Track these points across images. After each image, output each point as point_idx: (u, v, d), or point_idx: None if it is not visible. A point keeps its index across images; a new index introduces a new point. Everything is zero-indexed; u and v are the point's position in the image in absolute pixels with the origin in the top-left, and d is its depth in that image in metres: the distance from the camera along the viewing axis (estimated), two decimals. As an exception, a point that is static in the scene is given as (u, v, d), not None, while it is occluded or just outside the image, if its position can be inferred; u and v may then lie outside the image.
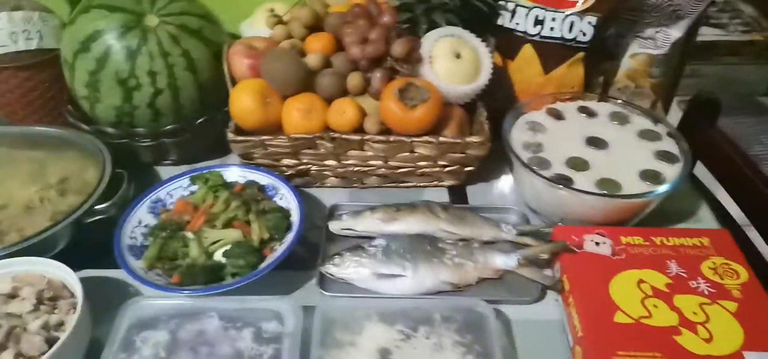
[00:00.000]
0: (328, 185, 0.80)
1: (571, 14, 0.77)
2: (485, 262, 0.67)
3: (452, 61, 0.74)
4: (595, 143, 0.74)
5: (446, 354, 0.57)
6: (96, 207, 0.67)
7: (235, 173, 0.74)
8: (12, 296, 0.59)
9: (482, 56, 0.77)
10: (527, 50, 0.81)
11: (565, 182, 0.68)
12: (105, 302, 0.61)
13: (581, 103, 0.81)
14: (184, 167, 0.83)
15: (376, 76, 0.72)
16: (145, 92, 0.73)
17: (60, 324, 0.57)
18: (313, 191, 0.80)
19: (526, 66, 0.82)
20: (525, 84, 0.84)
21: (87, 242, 0.67)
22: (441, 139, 0.72)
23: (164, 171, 0.83)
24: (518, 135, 0.75)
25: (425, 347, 0.58)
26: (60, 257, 0.61)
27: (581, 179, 0.69)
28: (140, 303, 0.60)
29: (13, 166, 0.74)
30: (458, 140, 0.72)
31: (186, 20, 0.75)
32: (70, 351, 0.55)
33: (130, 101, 0.73)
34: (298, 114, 0.72)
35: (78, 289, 0.57)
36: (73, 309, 0.58)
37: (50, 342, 0.55)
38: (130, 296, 0.64)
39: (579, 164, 0.71)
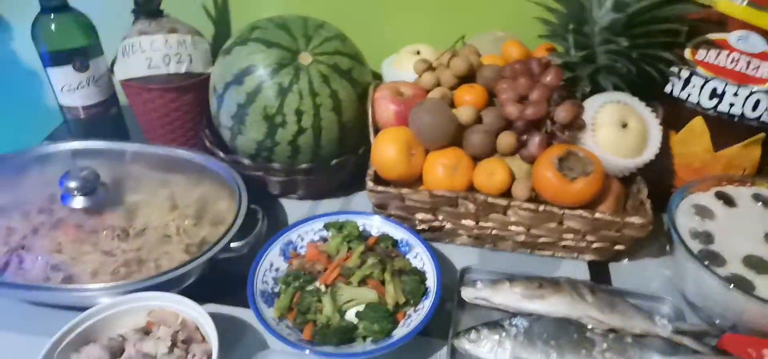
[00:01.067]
0: (458, 242, 0.75)
1: (759, 91, 0.68)
2: (641, 363, 0.60)
3: (618, 131, 0.67)
4: (778, 241, 0.64)
5: None
6: (232, 245, 0.66)
7: (367, 222, 0.71)
8: (147, 331, 0.58)
9: (650, 127, 0.69)
10: (697, 123, 0.72)
11: (745, 286, 0.59)
12: (229, 343, 0.59)
13: (755, 190, 0.71)
14: (308, 202, 0.81)
15: (534, 140, 0.66)
16: (289, 130, 0.71)
17: (192, 370, 0.55)
18: (441, 246, 0.75)
19: (692, 140, 0.74)
20: (688, 159, 0.75)
21: (214, 277, 0.67)
22: (597, 215, 0.65)
23: (288, 203, 0.81)
24: (683, 220, 0.67)
25: None
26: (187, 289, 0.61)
27: (764, 285, 0.60)
28: (272, 357, 0.58)
29: (151, 188, 0.74)
30: (617, 219, 0.65)
31: (338, 60, 0.73)
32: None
33: (272, 137, 0.72)
34: (443, 170, 0.68)
35: (214, 339, 0.55)
36: (206, 356, 0.56)
37: (184, 388, 0.53)
38: (253, 339, 0.62)
39: (759, 264, 0.62)
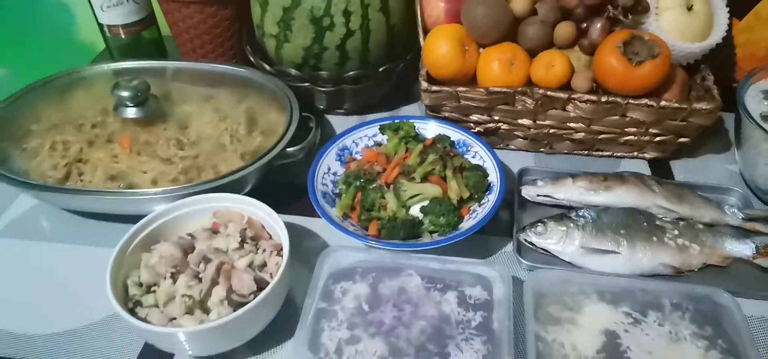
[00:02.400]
0: (513, 147, 0.74)
1: (834, -35, 0.65)
2: (713, 246, 0.59)
3: (684, 14, 0.65)
4: None
5: (684, 346, 0.50)
6: (287, 150, 0.65)
7: (421, 126, 0.70)
8: (214, 231, 0.58)
9: (716, 9, 0.67)
10: (763, 7, 0.69)
11: (823, 160, 0.58)
12: (293, 246, 0.59)
13: (826, 72, 0.68)
14: (354, 118, 0.80)
15: (596, 26, 0.64)
16: (337, 33, 0.70)
17: (262, 265, 0.55)
18: (498, 152, 0.74)
19: (758, 26, 0.71)
20: (752, 47, 0.72)
21: (270, 185, 0.66)
22: (663, 103, 0.63)
23: (334, 120, 0.80)
24: (753, 105, 0.65)
25: (659, 335, 0.51)
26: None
27: (842, 160, 0.58)
28: (338, 252, 0.58)
29: (199, 102, 0.74)
30: (684, 106, 0.63)
31: (385, -44, 0.70)
32: (277, 294, 0.53)
33: (320, 42, 0.70)
34: (499, 65, 0.66)
35: (284, 233, 0.55)
36: (275, 251, 0.56)
37: (257, 281, 0.53)
38: (317, 243, 0.62)
39: (836, 144, 0.60)
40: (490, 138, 0.73)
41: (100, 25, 0.79)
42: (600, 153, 0.73)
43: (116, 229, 0.62)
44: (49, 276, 0.59)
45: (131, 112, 0.67)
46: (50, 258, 0.61)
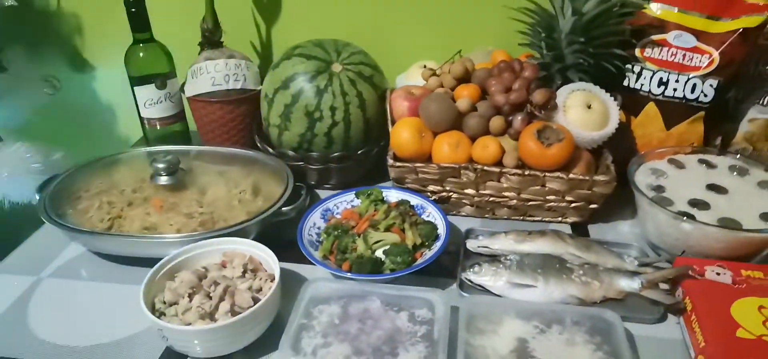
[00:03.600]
0: (463, 213, 0.92)
1: (694, 77, 0.86)
2: (610, 282, 0.75)
3: (584, 111, 0.85)
4: (716, 189, 0.80)
5: (578, 349, 0.64)
6: (283, 209, 0.83)
7: (390, 194, 0.88)
8: (223, 265, 0.75)
9: (610, 108, 0.87)
10: (651, 108, 0.90)
11: (688, 216, 0.75)
12: (285, 283, 0.75)
13: (701, 156, 0.87)
14: (339, 192, 0.98)
15: (518, 118, 0.84)
16: (325, 123, 0.90)
17: (259, 290, 0.71)
18: (450, 217, 0.91)
19: (648, 122, 0.91)
20: (647, 138, 0.92)
21: (268, 237, 0.83)
22: (571, 175, 0.82)
23: (322, 194, 0.98)
24: (642, 178, 0.83)
25: (559, 341, 0.65)
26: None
27: (703, 217, 0.75)
28: (318, 283, 0.73)
29: (216, 176, 0.92)
30: (587, 178, 0.82)
31: (362, 69, 0.92)
32: (268, 308, 0.68)
33: (312, 130, 0.90)
34: (448, 147, 0.85)
35: (275, 265, 0.71)
36: (271, 279, 0.72)
37: (255, 300, 0.69)
38: (303, 278, 0.78)
39: (701, 204, 0.77)
40: (444, 206, 0.90)
41: (141, 119, 1.00)
42: (531, 218, 0.90)
43: (146, 271, 0.76)
44: (89, 305, 0.75)
45: (164, 180, 0.86)
46: (90, 293, 0.77)
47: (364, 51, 0.96)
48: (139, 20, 0.92)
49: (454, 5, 1.07)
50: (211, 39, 1.01)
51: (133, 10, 0.91)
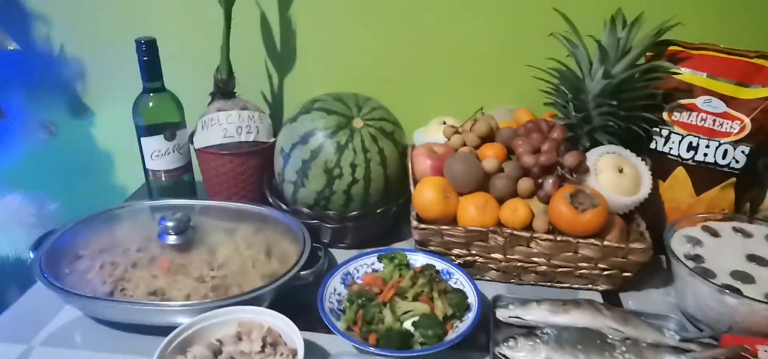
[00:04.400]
0: (488, 278, 0.86)
1: (725, 143, 0.83)
2: (655, 362, 0.69)
3: (616, 175, 0.80)
4: (757, 260, 0.75)
5: None
6: (301, 273, 0.76)
7: (412, 257, 0.82)
8: (239, 338, 0.67)
9: (642, 173, 0.83)
10: (680, 172, 0.86)
11: (735, 290, 0.70)
12: (306, 354, 0.68)
13: (735, 224, 0.83)
14: (354, 252, 0.92)
15: (549, 181, 0.79)
16: (345, 181, 0.84)
17: (280, 368, 0.64)
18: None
19: (677, 187, 0.87)
20: (675, 203, 0.88)
21: (282, 302, 0.76)
22: (606, 242, 0.77)
23: (337, 253, 0.92)
24: (678, 246, 0.78)
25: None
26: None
27: (750, 291, 0.70)
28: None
29: (225, 234, 0.85)
30: (622, 245, 0.77)
31: (383, 124, 0.87)
32: (291, 389, 0.61)
33: (330, 187, 0.84)
34: (475, 209, 0.80)
35: (298, 339, 0.64)
36: (291, 355, 0.64)
37: (275, 379, 0.61)
38: (325, 352, 0.71)
39: (745, 277, 0.72)
40: (469, 270, 0.84)
41: (146, 170, 0.93)
42: (560, 285, 0.84)
43: (151, 341, 0.68)
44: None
45: (173, 239, 0.78)
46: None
47: (385, 106, 0.91)
48: (151, 69, 0.87)
49: (475, 61, 1.03)
50: (224, 89, 0.95)
51: (146, 58, 0.85)
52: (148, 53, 0.86)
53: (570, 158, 0.80)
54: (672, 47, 0.89)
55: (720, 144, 0.83)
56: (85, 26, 1.05)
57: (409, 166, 0.87)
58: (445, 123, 0.95)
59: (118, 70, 1.06)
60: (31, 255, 0.76)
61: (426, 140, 0.95)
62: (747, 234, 0.81)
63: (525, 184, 0.81)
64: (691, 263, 0.75)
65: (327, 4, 1.01)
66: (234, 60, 0.97)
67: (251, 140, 0.93)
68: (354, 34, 1.03)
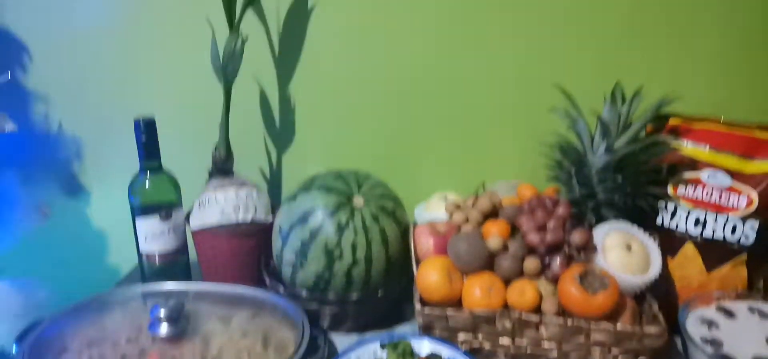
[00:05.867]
0: (495, 364, 0.80)
1: (733, 218, 0.79)
2: None
3: (625, 253, 0.76)
4: (778, 343, 0.71)
5: None
6: (303, 364, 0.71)
7: (416, 344, 0.76)
8: None
9: (651, 250, 0.79)
10: (689, 248, 0.82)
11: (758, 381, 0.65)
12: None
13: (750, 303, 0.78)
14: (355, 336, 0.86)
15: (556, 261, 0.75)
16: (345, 262, 0.79)
17: None
18: (481, 369, 0.80)
19: (687, 264, 0.83)
20: (686, 281, 0.83)
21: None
22: (619, 327, 0.72)
23: (337, 338, 0.86)
24: (693, 329, 0.73)
25: None
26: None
27: (774, 380, 0.65)
28: None
29: (220, 322, 0.79)
30: (637, 330, 0.72)
31: (384, 202, 0.84)
32: None
33: (330, 269, 0.80)
34: (480, 291, 0.75)
35: None
36: None
37: None
38: None
39: (767, 363, 0.68)
40: (477, 356, 0.79)
41: (140, 253, 0.89)
42: (572, 371, 0.79)
43: None
44: None
45: (164, 329, 0.73)
46: None
47: (385, 183, 0.88)
48: (149, 149, 0.84)
49: (475, 134, 1.01)
50: (223, 167, 0.92)
51: (145, 138, 0.82)
52: (147, 133, 0.83)
53: (577, 236, 0.76)
54: (673, 120, 0.87)
55: (728, 219, 0.80)
56: (84, 104, 1.03)
57: (412, 245, 0.83)
58: (446, 199, 0.92)
59: (115, 148, 1.03)
60: (15, 350, 0.70)
61: (427, 216, 0.91)
62: (764, 315, 0.76)
63: (532, 264, 0.77)
64: (709, 349, 0.70)
65: (325, 80, 1.00)
66: (232, 137, 0.94)
67: (249, 219, 0.89)
68: (352, 110, 1.01)
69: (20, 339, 0.72)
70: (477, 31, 0.96)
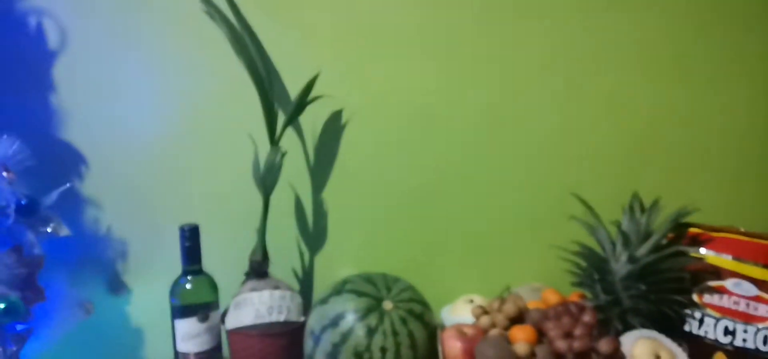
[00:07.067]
0: None
1: (763, 329, 0.79)
2: None
3: (653, 362, 0.76)
4: None
5: None
6: None
7: None
8: None
9: (680, 359, 0.78)
10: (720, 358, 0.81)
11: None
12: None
13: (787, 415, 0.76)
14: None
15: (584, 369, 0.75)
16: (375, 366, 0.81)
17: None
18: None
19: (718, 372, 0.81)
20: (719, 390, 0.82)
21: None
22: None
23: None
24: None
25: None
26: None
27: None
28: None
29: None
30: None
31: (413, 306, 0.86)
32: None
33: (360, 372, 0.81)
34: (509, 399, 0.75)
35: None
36: None
37: None
38: None
39: None
40: None
41: (176, 353, 0.91)
42: None
43: None
44: None
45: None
46: None
47: (413, 286, 0.90)
48: (192, 254, 0.88)
49: (499, 239, 1.04)
50: (259, 270, 0.96)
51: (188, 244, 0.87)
52: (191, 239, 0.88)
53: (605, 345, 0.76)
54: (693, 229, 0.89)
55: (758, 330, 0.79)
56: (133, 210, 1.09)
57: (440, 349, 0.84)
58: (472, 301, 0.93)
59: (159, 250, 1.08)
60: None
61: (453, 319, 0.92)
62: (803, 428, 0.74)
63: (559, 371, 0.77)
64: None
65: (355, 188, 1.05)
66: (268, 240, 0.99)
67: (282, 320, 0.91)
68: (381, 215, 1.06)
69: None
70: (498, 142, 1.02)
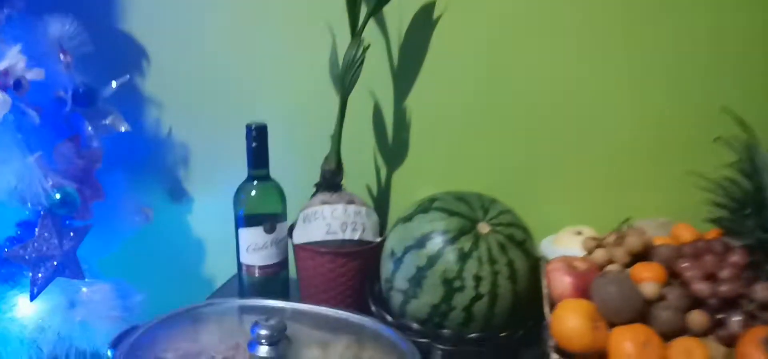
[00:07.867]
0: None
1: None
2: None
3: (827, 317, 0.60)
4: None
5: None
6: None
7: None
8: None
9: None
10: None
11: None
12: None
13: None
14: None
15: (734, 319, 0.60)
16: (467, 295, 0.69)
17: None
18: None
19: None
20: None
21: None
22: (824, 410, 0.56)
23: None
24: None
25: None
26: None
27: None
28: None
29: (320, 348, 0.71)
30: None
31: (513, 231, 0.73)
32: None
33: (449, 301, 0.69)
34: (633, 346, 0.61)
35: None
36: None
37: None
38: None
39: None
40: (619, 423, 0.65)
41: (239, 263, 0.83)
42: None
43: None
44: None
45: (264, 351, 0.65)
46: None
47: (513, 210, 0.77)
48: (259, 156, 0.79)
49: (618, 162, 0.87)
50: (331, 181, 0.85)
51: (255, 144, 0.77)
52: (258, 139, 0.77)
53: (762, 291, 0.60)
54: None
55: None
56: (196, 111, 1.01)
57: (544, 283, 0.71)
58: (580, 233, 0.79)
59: (222, 156, 1.00)
60: (110, 354, 0.65)
61: (557, 252, 0.79)
62: None
63: (699, 318, 0.62)
64: None
65: (446, 97, 0.91)
66: (342, 148, 0.87)
67: (356, 238, 0.81)
68: (473, 130, 0.91)
69: (115, 344, 0.67)
70: (624, 47, 0.83)
